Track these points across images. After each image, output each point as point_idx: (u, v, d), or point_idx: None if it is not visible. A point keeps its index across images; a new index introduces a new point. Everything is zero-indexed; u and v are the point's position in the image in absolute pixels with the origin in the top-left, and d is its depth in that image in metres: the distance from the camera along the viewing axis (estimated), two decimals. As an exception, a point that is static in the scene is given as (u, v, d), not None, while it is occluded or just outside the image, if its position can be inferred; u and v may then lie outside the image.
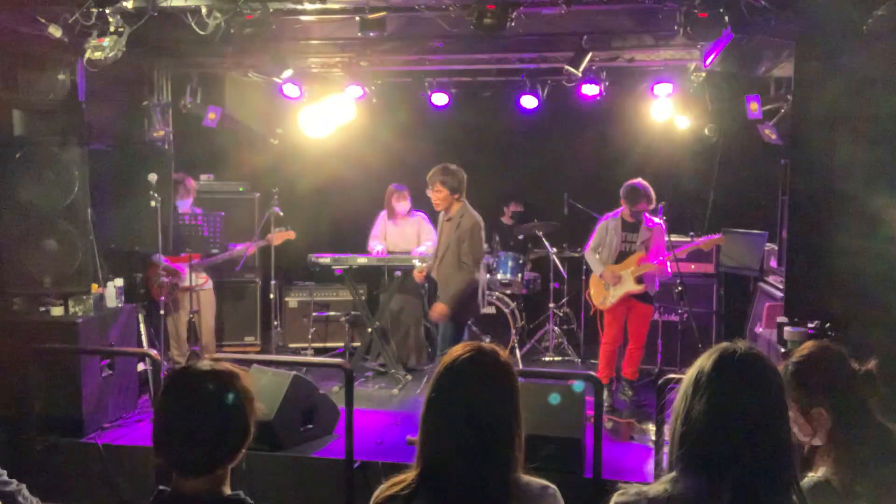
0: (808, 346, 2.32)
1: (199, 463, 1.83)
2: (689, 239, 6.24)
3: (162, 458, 1.85)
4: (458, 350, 1.88)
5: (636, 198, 5.99)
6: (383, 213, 7.14)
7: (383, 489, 1.85)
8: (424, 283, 6.77)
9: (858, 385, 2.18)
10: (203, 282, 6.66)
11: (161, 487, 1.88)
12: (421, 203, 7.07)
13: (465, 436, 1.75)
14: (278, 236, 6.87)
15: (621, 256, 6.11)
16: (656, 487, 1.69)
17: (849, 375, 2.20)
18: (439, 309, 5.43)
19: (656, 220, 6.11)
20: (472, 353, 1.86)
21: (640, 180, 6.07)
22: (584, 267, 6.75)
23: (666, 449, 3.93)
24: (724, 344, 1.73)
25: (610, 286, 6.08)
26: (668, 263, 6.00)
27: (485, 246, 5.72)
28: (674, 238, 6.51)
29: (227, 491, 1.89)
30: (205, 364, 1.91)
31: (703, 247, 6.19)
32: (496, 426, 1.77)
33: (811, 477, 2.11)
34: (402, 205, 6.98)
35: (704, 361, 1.71)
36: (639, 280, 6.02)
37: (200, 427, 1.82)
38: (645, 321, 6.19)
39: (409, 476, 1.82)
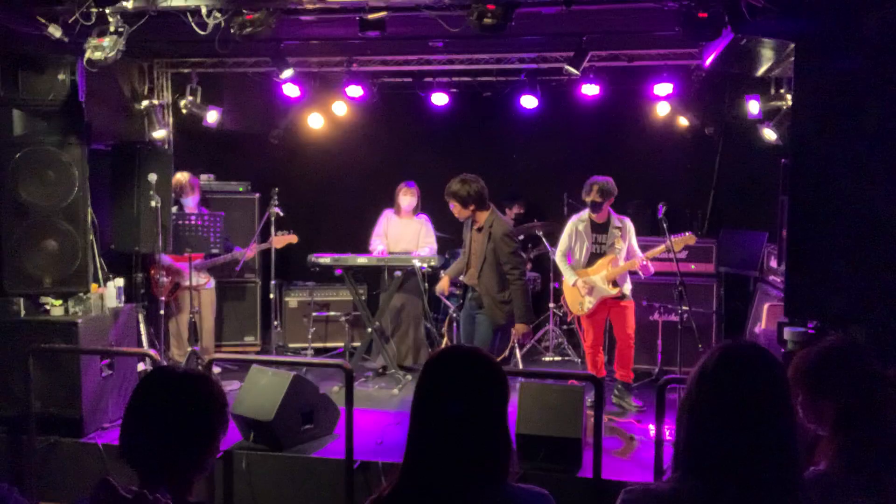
0: (833, 338, 2.31)
1: (164, 470, 1.77)
2: (661, 238, 6.04)
3: (127, 464, 1.80)
4: (439, 352, 1.86)
5: (605, 195, 5.89)
6: (386, 212, 7.12)
7: (374, 496, 1.82)
8: (426, 283, 6.77)
9: (872, 387, 2.17)
10: (205, 281, 6.67)
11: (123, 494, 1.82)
12: (428, 205, 7.08)
13: (444, 439, 1.71)
14: (281, 240, 6.78)
15: (593, 258, 6.04)
16: (663, 486, 1.68)
17: (864, 376, 2.18)
18: (521, 330, 5.60)
19: (624, 217, 6.06)
20: (452, 356, 1.85)
21: (602, 177, 5.97)
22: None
23: (666, 448, 3.94)
24: (726, 342, 1.72)
25: (584, 293, 6.01)
26: (649, 262, 5.93)
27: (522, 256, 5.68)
28: (647, 238, 6.48)
29: (191, 500, 1.81)
30: (178, 370, 1.88)
31: (675, 245, 5.98)
32: (477, 428, 1.72)
33: (812, 469, 2.11)
34: (407, 199, 6.96)
35: (707, 361, 1.70)
36: (614, 283, 5.95)
37: (166, 434, 1.77)
38: (628, 318, 6.07)
39: (394, 479, 1.79)
